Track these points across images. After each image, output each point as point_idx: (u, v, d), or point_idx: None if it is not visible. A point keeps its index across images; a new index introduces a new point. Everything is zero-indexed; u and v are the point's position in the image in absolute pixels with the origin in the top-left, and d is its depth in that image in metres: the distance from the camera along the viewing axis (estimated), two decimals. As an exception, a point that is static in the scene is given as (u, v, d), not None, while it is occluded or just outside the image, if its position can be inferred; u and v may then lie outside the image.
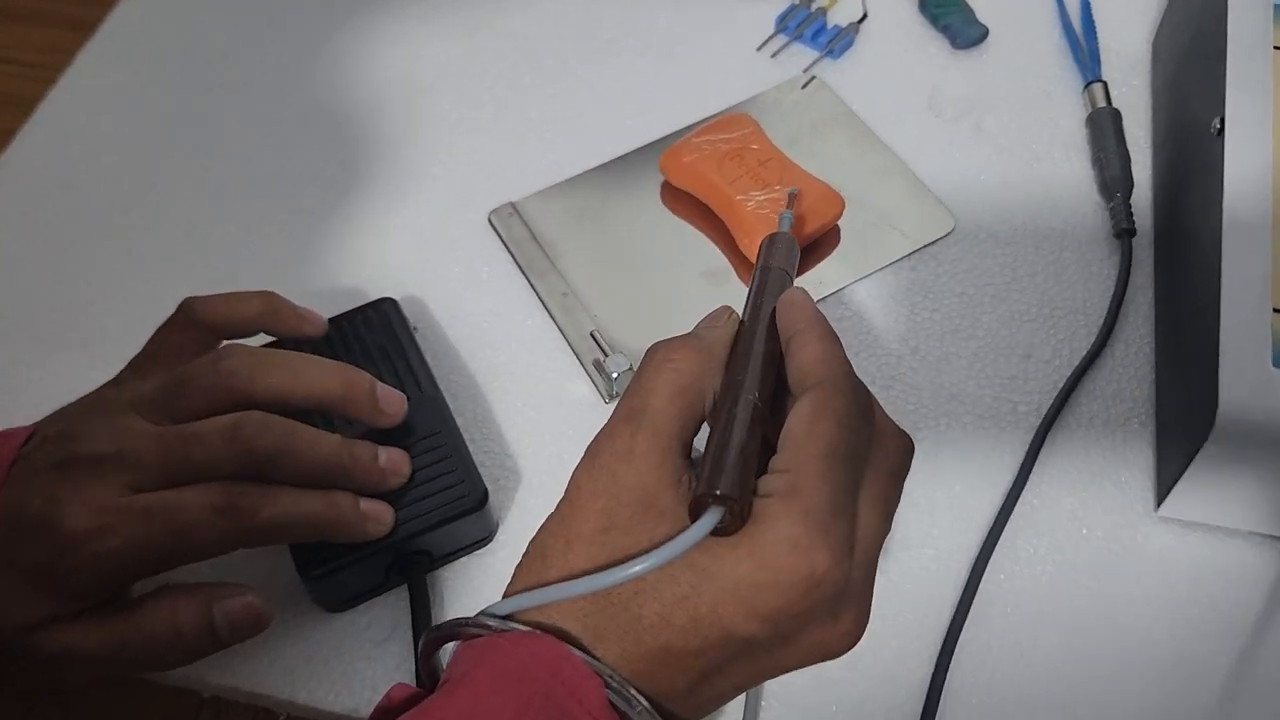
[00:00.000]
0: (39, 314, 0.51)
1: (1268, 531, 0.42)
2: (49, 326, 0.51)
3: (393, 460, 0.41)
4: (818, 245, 0.51)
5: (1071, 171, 0.53)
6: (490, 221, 0.53)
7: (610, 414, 0.33)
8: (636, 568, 0.29)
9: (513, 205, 0.54)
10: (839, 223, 0.51)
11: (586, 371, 0.48)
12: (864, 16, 0.60)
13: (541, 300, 0.50)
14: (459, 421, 0.46)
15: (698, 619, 0.29)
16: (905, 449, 0.33)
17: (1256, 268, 0.39)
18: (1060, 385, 0.46)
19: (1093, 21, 0.58)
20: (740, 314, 0.37)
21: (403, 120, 0.57)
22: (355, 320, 0.46)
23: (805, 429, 0.31)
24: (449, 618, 0.41)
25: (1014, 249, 0.51)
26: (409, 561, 0.41)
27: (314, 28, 0.62)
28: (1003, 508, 0.43)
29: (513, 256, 0.52)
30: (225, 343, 0.41)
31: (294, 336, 0.43)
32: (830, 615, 0.30)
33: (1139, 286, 0.49)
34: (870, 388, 0.46)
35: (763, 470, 0.31)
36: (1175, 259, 0.47)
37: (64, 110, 0.59)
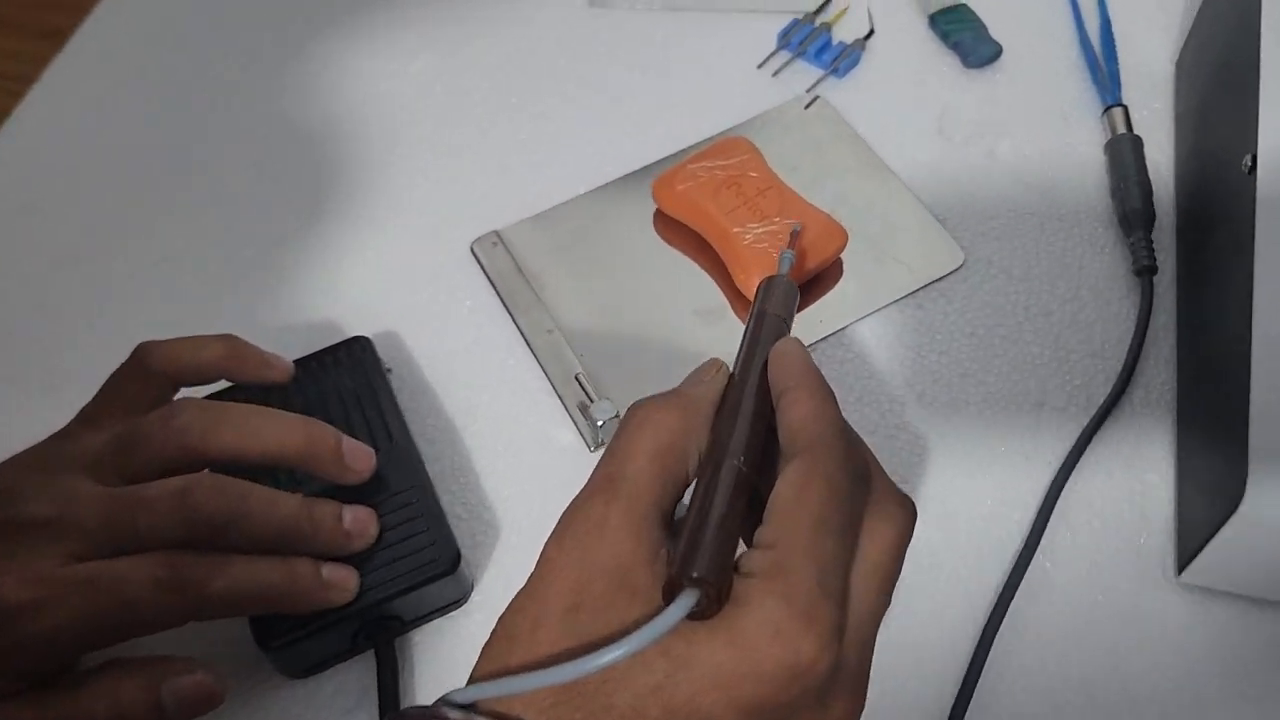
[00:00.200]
0: (-5, 348, 0.49)
1: (1299, 601, 0.39)
2: (2, 364, 0.48)
3: (358, 521, 0.38)
4: (818, 281, 0.48)
5: (1089, 202, 0.50)
6: (473, 251, 0.50)
7: (591, 471, 0.30)
8: (604, 658, 0.27)
9: (497, 234, 0.51)
10: (841, 255, 0.49)
11: (571, 417, 0.45)
12: (871, 33, 0.57)
13: (525, 338, 0.47)
14: (434, 470, 0.44)
15: (673, 710, 0.27)
16: (907, 515, 0.31)
17: (1292, 322, 0.36)
18: (1075, 436, 0.43)
19: (1113, 39, 0.55)
20: (732, 365, 0.34)
21: (382, 141, 0.54)
22: (325, 361, 0.44)
23: (792, 498, 0.28)
24: (419, 688, 0.39)
25: (1027, 286, 0.48)
26: (377, 627, 0.39)
27: (293, 43, 0.59)
28: (1013, 570, 0.40)
29: (495, 290, 0.49)
30: (180, 395, 0.39)
31: (257, 383, 0.40)
32: (819, 704, 0.27)
33: (1160, 328, 0.46)
34: (871, 437, 0.44)
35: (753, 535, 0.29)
36: (1200, 302, 0.44)
37: (29, 128, 0.57)
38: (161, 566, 0.34)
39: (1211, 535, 0.37)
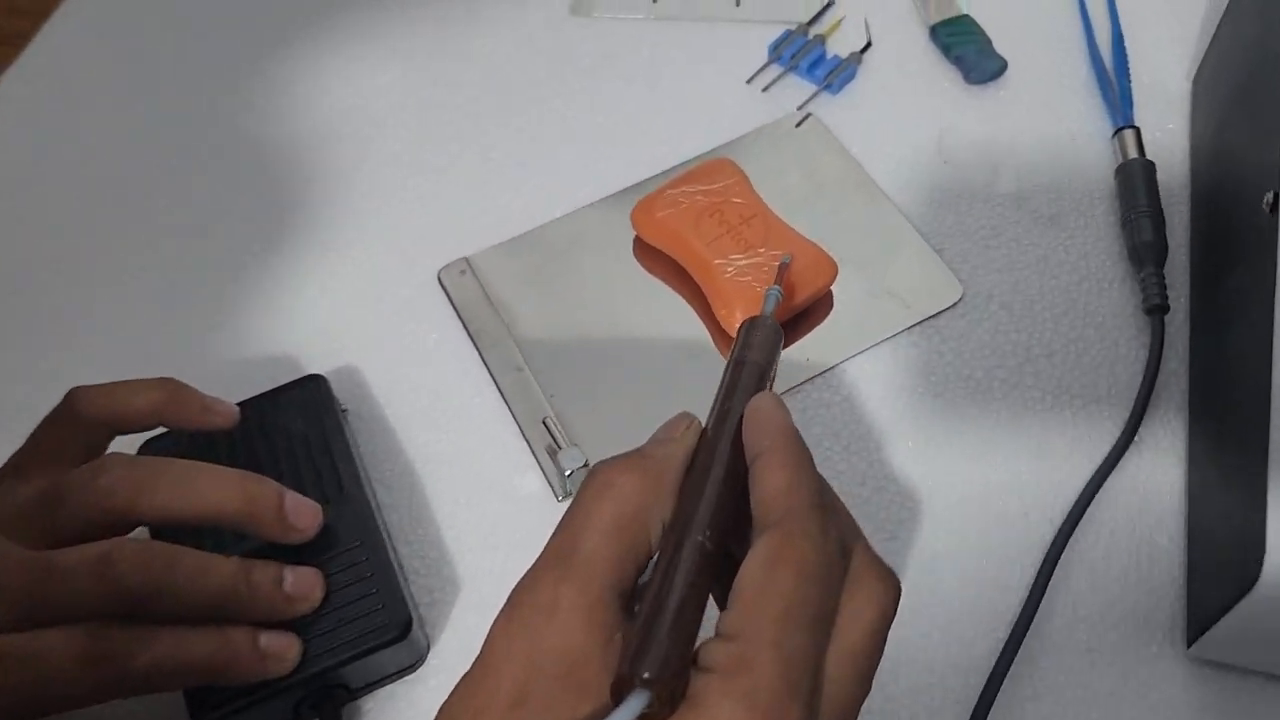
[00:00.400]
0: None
1: (1317, 678, 0.36)
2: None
3: (302, 583, 0.35)
4: (805, 315, 0.45)
5: (1097, 233, 0.47)
6: (440, 280, 0.47)
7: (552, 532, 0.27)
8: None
9: (466, 261, 0.48)
10: (831, 287, 0.46)
11: (539, 462, 0.42)
12: (868, 45, 0.54)
13: (492, 375, 0.45)
14: (391, 520, 0.41)
15: None
16: (890, 593, 0.28)
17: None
18: (1078, 490, 0.40)
19: (1125, 54, 0.52)
20: (705, 420, 0.32)
21: (348, 159, 0.51)
22: (275, 403, 0.41)
23: (759, 582, 0.26)
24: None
25: (1029, 323, 0.45)
26: (322, 696, 0.36)
27: (257, 54, 0.56)
28: (1010, 637, 0.37)
29: (462, 322, 0.46)
30: (110, 451, 0.36)
31: (198, 429, 0.38)
32: None
33: (1171, 373, 0.43)
34: (860, 488, 0.41)
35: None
36: (1216, 346, 0.41)
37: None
38: (82, 641, 0.31)
39: (1225, 611, 0.34)
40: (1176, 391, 0.43)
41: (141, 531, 0.36)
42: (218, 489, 0.34)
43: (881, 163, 0.50)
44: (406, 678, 0.38)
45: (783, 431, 0.30)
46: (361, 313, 0.47)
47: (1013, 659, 0.37)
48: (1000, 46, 0.53)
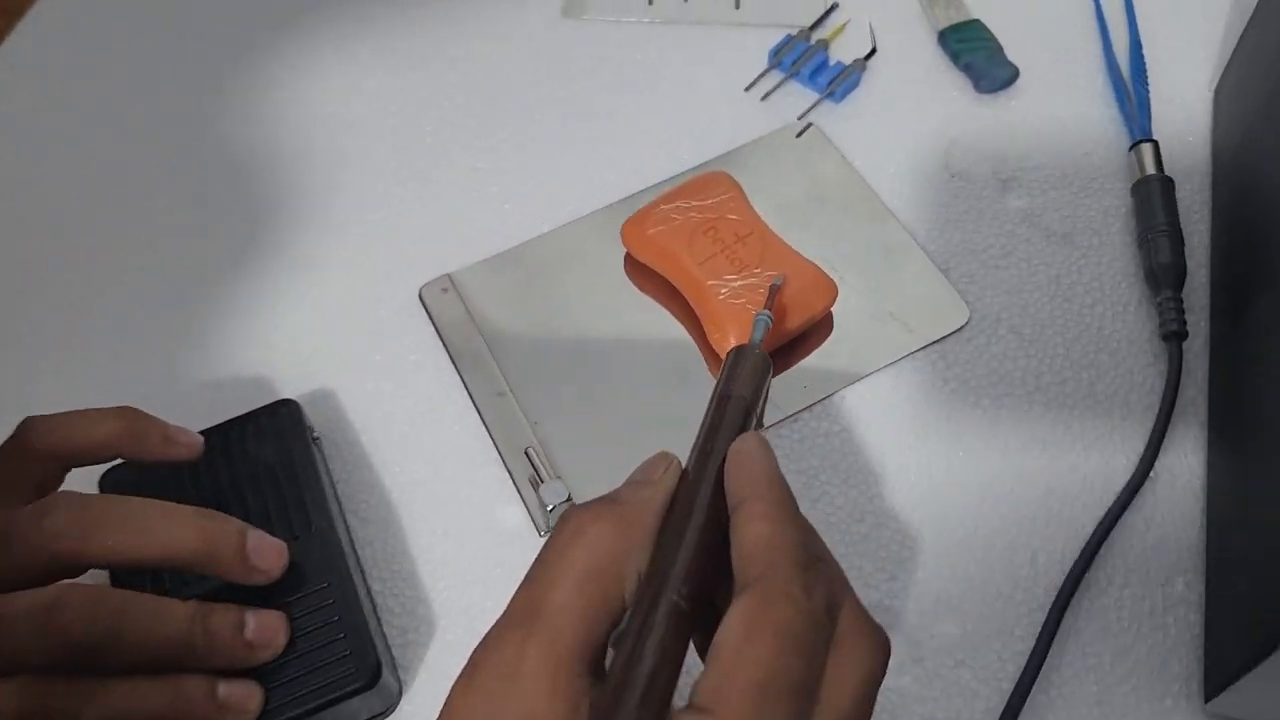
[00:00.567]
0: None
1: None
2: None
3: (264, 629, 0.33)
4: (803, 339, 0.43)
5: (1112, 253, 0.45)
6: (421, 298, 0.45)
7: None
8: None
9: (449, 278, 0.46)
10: (830, 309, 0.43)
11: (520, 494, 0.40)
12: (872, 51, 0.51)
13: (473, 400, 0.42)
14: (365, 555, 0.39)
15: None
16: (878, 653, 0.26)
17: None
18: (1090, 530, 0.38)
19: (1143, 62, 0.49)
20: (686, 460, 0.30)
21: (327, 169, 0.49)
22: (243, 430, 0.39)
23: (736, 648, 0.24)
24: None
25: (1039, 349, 0.42)
26: (287, 746, 0.34)
27: (232, 56, 0.53)
28: (1015, 689, 0.35)
29: (444, 343, 0.44)
30: (62, 489, 0.34)
31: (159, 462, 0.36)
32: None
33: (1190, 402, 0.41)
34: (858, 525, 0.39)
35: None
36: (1238, 376, 0.39)
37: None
38: (25, 696, 0.30)
39: (1248, 667, 0.32)
40: (1195, 423, 0.40)
41: (99, 572, 0.34)
42: (173, 529, 0.32)
43: (885, 176, 0.48)
44: (378, 724, 0.36)
45: (766, 479, 0.28)
46: (338, 332, 0.44)
47: (1019, 711, 0.35)
48: (1012, 53, 0.50)
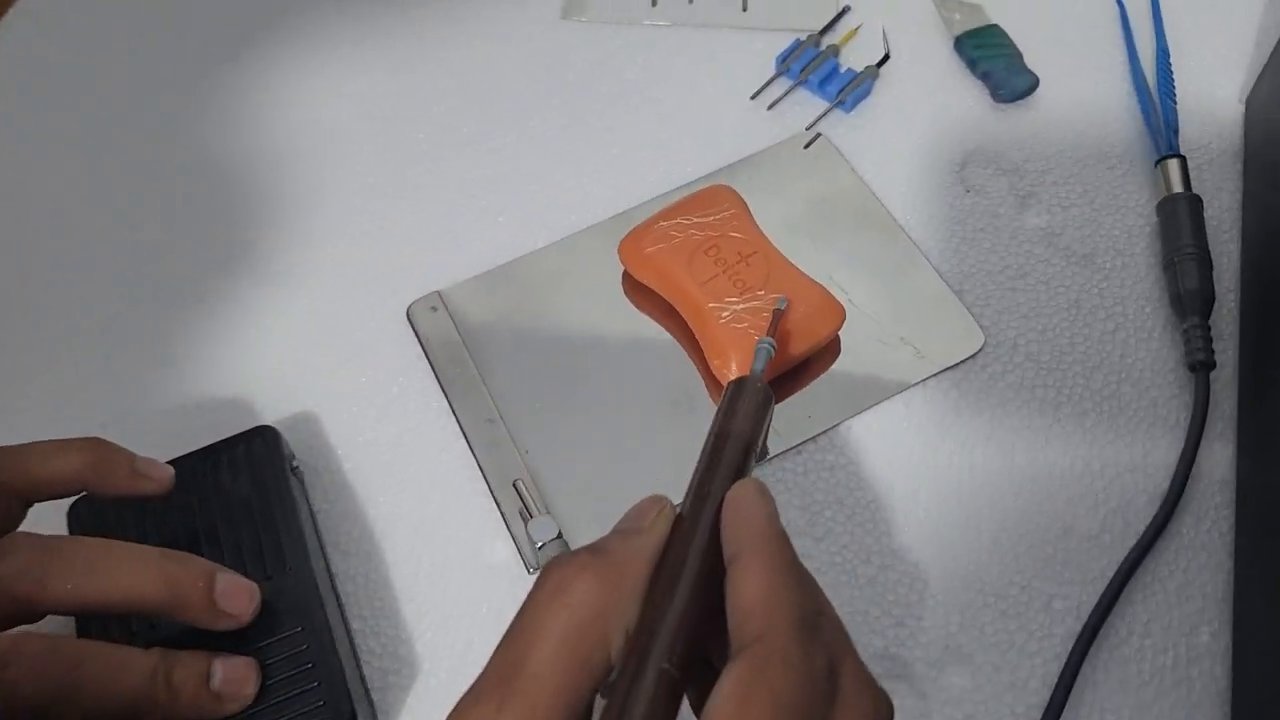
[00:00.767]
0: None
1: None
2: None
3: (232, 679, 0.32)
4: (808, 365, 0.41)
5: (1136, 276, 0.42)
6: (409, 316, 0.43)
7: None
8: None
9: (439, 295, 0.44)
10: (838, 333, 0.41)
11: (509, 528, 0.38)
12: (885, 58, 0.49)
13: (461, 427, 0.40)
14: (345, 589, 0.37)
15: None
16: (881, 718, 0.24)
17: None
18: (1109, 575, 0.36)
19: (1170, 72, 0.47)
20: (681, 503, 0.28)
21: (310, 179, 0.47)
22: (218, 460, 0.37)
23: (731, 716, 0.22)
24: None
25: (1057, 378, 0.40)
26: (256, 800, 0.32)
27: (214, 58, 0.51)
28: (1027, 745, 0.33)
29: (432, 366, 0.42)
30: (22, 527, 0.32)
31: (127, 496, 0.34)
32: None
33: (1217, 437, 0.39)
34: (864, 567, 0.37)
35: None
36: (1270, 409, 0.36)
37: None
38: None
39: (1276, 734, 0.30)
40: (1222, 460, 0.38)
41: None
42: (136, 574, 0.31)
43: (897, 190, 0.45)
44: (354, 774, 0.34)
45: (763, 531, 0.26)
46: (320, 353, 0.42)
47: (1032, 772, 0.33)
48: (1032, 61, 0.48)
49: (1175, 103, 0.46)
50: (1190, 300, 0.40)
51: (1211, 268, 0.41)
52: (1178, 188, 0.43)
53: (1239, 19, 0.49)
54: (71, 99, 0.51)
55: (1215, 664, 0.35)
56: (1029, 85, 0.47)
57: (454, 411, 0.41)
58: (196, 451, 0.37)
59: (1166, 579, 0.36)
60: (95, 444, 0.33)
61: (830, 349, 0.41)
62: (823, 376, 0.41)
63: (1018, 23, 0.49)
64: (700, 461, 0.30)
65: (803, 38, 0.49)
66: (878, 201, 0.45)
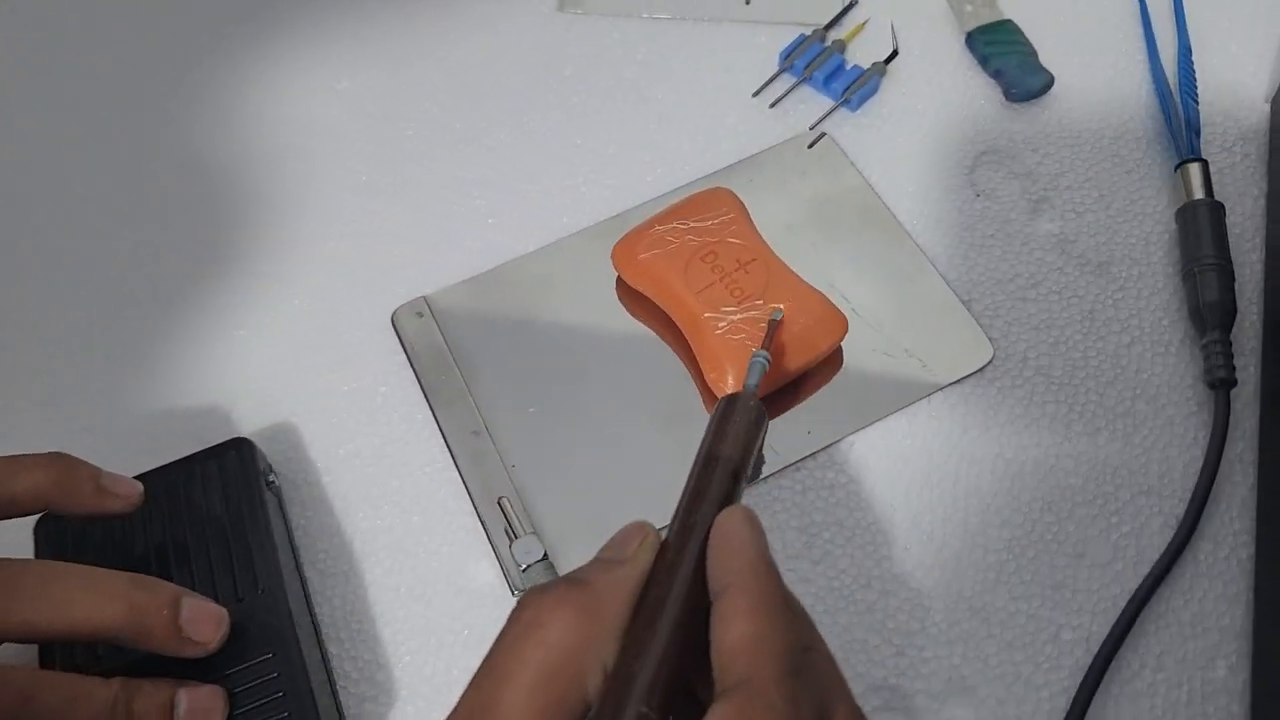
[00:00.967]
0: None
1: None
2: None
3: (197, 710, 0.30)
4: (808, 377, 0.39)
5: (1153, 286, 0.41)
6: (393, 323, 0.42)
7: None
8: None
9: (425, 300, 0.42)
10: (839, 344, 0.39)
11: (493, 546, 0.37)
12: (893, 54, 0.47)
13: (446, 440, 0.39)
14: (322, 611, 0.36)
15: None
16: None
17: None
18: (1122, 602, 0.34)
19: (1193, 72, 0.45)
20: (667, 530, 0.27)
21: (296, 178, 0.45)
22: (192, 473, 0.36)
23: None
24: None
25: (1069, 394, 0.38)
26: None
27: (199, 52, 0.49)
28: (1033, 784, 0.32)
29: (416, 375, 0.40)
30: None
31: (93, 514, 0.32)
32: None
33: (1237, 459, 0.37)
34: (865, 591, 0.35)
35: None
36: (1292, 436, 0.35)
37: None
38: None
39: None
40: (1243, 484, 0.36)
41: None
42: (96, 601, 0.29)
43: (904, 193, 0.43)
44: (328, 805, 0.33)
45: (751, 565, 0.25)
46: (303, 359, 0.41)
47: (1037, 814, 0.31)
48: (1046, 59, 0.46)
49: (1197, 103, 0.44)
50: (1211, 313, 0.38)
51: (1233, 279, 0.39)
52: (1199, 193, 0.41)
53: (1266, 15, 0.47)
54: (51, 91, 0.49)
55: (1233, 701, 0.33)
56: (1043, 84, 0.45)
57: (438, 422, 0.39)
58: (167, 465, 0.36)
59: (1182, 609, 0.34)
60: (58, 460, 0.32)
61: (831, 361, 0.39)
62: (823, 390, 0.39)
63: (1032, 18, 0.47)
64: (687, 486, 0.28)
65: (807, 32, 0.47)
66: (883, 205, 0.43)
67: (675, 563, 0.26)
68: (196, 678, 0.31)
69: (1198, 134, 0.43)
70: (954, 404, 0.39)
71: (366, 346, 0.41)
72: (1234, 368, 0.37)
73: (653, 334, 0.41)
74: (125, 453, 0.38)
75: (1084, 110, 0.45)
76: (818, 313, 0.39)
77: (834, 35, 0.48)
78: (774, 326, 0.36)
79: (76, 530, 0.34)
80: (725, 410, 0.31)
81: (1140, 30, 0.47)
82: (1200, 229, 0.40)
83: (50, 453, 0.32)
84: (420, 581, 0.36)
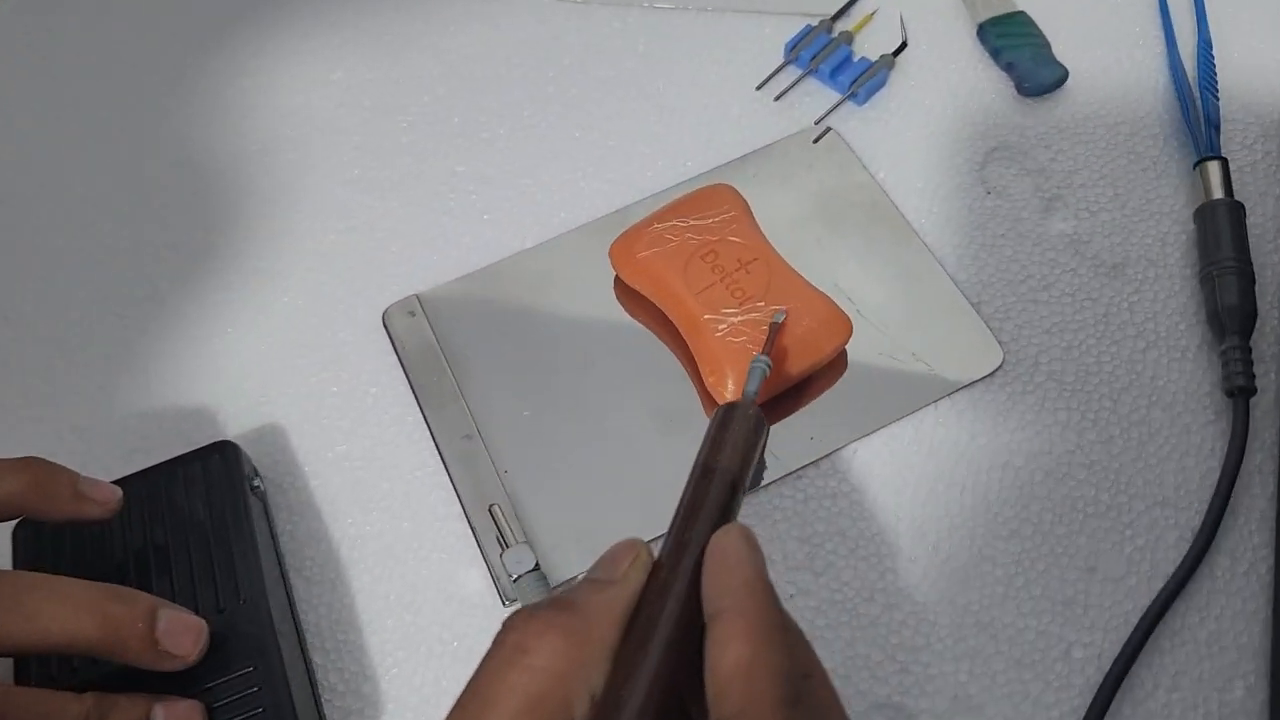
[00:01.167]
0: None
1: None
2: None
3: (174, 724, 0.29)
4: (811, 381, 0.38)
5: (1170, 289, 0.39)
6: (384, 321, 0.41)
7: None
8: None
9: (417, 299, 0.41)
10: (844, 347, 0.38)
11: (484, 554, 0.36)
12: (902, 46, 0.45)
13: (437, 443, 0.38)
14: (308, 619, 0.35)
15: None
16: None
17: None
18: (1135, 619, 0.33)
19: (1213, 66, 0.43)
20: (661, 547, 0.26)
21: (288, 172, 0.44)
22: (174, 477, 0.35)
23: None
24: None
25: (1082, 401, 0.37)
26: None
27: (193, 41, 0.48)
28: (1040, 807, 0.31)
29: (407, 375, 0.39)
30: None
31: (70, 520, 0.31)
32: None
33: (1256, 470, 0.35)
34: (867, 605, 0.34)
35: None
36: (1315, 447, 0.33)
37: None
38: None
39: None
40: (1261, 496, 0.35)
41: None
42: (68, 615, 0.28)
43: (912, 191, 0.42)
44: (312, 822, 0.32)
45: (748, 586, 0.24)
46: (292, 359, 0.40)
47: (1045, 840, 0.30)
48: (1060, 52, 0.44)
49: (1217, 98, 0.42)
50: (1230, 318, 0.37)
51: (1254, 282, 0.37)
52: (1218, 193, 0.39)
53: (1288, 7, 0.46)
54: (36, 85, 0.48)
55: (1250, 722, 0.32)
56: (1057, 78, 0.44)
57: (429, 425, 0.38)
58: (149, 469, 0.35)
59: (1197, 627, 0.33)
60: (34, 464, 0.31)
61: (835, 365, 0.38)
62: (826, 395, 0.38)
63: (1046, 9, 0.46)
64: (682, 500, 0.27)
65: (814, 23, 0.46)
66: (891, 203, 0.42)
67: (668, 582, 0.25)
68: (175, 691, 0.30)
69: (1217, 130, 0.41)
70: (962, 410, 0.37)
71: (357, 346, 0.40)
72: (1253, 375, 0.36)
73: (652, 335, 0.40)
74: (111, 453, 0.38)
75: (1099, 105, 0.44)
76: (821, 315, 0.37)
77: (841, 26, 0.46)
78: (775, 330, 0.35)
79: (55, 535, 0.33)
80: (723, 419, 0.30)
81: (1158, 21, 0.45)
82: (1219, 230, 0.38)
83: (25, 457, 0.31)
84: (409, 589, 0.35)
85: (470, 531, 0.36)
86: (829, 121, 0.44)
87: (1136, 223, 0.41)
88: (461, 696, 0.23)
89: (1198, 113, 0.42)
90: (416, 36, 0.48)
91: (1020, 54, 0.44)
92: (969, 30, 0.46)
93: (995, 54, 0.45)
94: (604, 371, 0.39)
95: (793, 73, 0.45)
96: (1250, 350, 0.36)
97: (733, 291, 0.38)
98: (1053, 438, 0.37)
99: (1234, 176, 0.40)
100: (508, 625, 0.23)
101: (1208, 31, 0.44)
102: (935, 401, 0.38)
